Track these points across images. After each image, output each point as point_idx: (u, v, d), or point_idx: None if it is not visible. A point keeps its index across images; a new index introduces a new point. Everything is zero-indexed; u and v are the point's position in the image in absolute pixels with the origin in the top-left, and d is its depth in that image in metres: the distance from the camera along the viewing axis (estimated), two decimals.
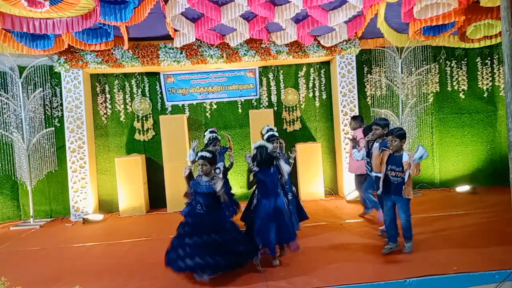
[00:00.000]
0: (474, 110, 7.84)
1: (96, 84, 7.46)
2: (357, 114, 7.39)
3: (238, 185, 7.76)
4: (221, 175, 4.47)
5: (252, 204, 4.41)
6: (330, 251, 4.50)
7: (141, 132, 7.60)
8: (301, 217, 5.02)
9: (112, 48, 6.71)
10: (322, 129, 7.92)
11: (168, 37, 6.53)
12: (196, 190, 3.87)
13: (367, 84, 7.72)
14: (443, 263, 3.88)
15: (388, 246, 4.23)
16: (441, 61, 7.79)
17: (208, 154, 3.88)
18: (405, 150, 4.12)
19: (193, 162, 5.11)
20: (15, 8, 4.62)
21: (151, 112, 7.62)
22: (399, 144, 4.07)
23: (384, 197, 4.25)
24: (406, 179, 4.02)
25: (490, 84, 7.79)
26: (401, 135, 4.08)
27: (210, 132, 5.69)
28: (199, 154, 3.90)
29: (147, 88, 7.58)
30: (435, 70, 7.76)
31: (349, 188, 7.22)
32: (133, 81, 7.53)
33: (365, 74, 7.72)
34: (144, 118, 7.61)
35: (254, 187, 4.33)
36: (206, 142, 5.48)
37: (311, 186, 7.40)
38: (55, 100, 7.24)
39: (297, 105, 7.85)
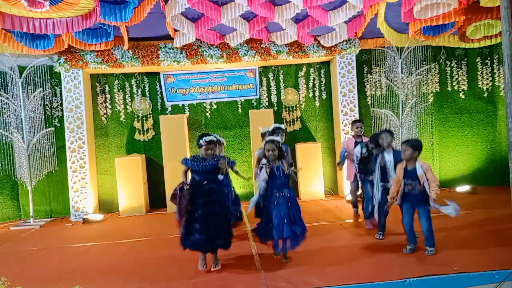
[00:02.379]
0: (474, 110, 7.84)
1: (96, 84, 7.46)
2: (358, 114, 7.40)
3: (238, 185, 7.76)
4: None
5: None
6: (330, 251, 4.49)
7: (141, 132, 7.60)
8: None
9: (112, 48, 6.71)
10: (322, 129, 7.92)
11: (168, 37, 6.53)
12: (200, 169, 3.98)
13: (367, 84, 7.72)
14: (443, 263, 3.88)
15: (409, 247, 4.26)
16: (441, 61, 7.79)
17: (214, 138, 4.07)
18: (419, 162, 4.13)
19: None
20: (15, 8, 4.62)
21: (151, 112, 7.62)
22: (411, 154, 4.10)
23: (405, 204, 4.28)
24: (428, 191, 4.02)
25: (490, 84, 7.80)
26: (414, 145, 4.11)
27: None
28: (207, 138, 4.00)
29: (147, 88, 7.59)
30: (435, 70, 7.76)
31: (349, 188, 7.20)
32: (133, 81, 7.53)
33: (365, 74, 7.72)
34: (144, 118, 7.61)
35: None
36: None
37: (311, 186, 7.40)
38: (55, 100, 7.24)
39: (297, 105, 7.85)
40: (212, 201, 3.99)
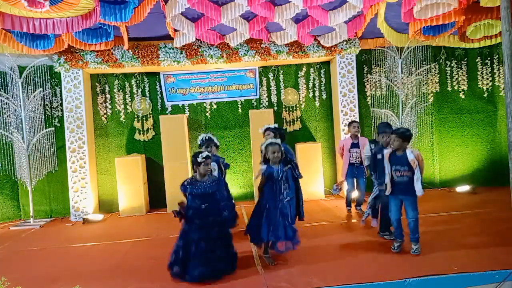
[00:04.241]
0: (474, 110, 7.84)
1: (96, 84, 7.46)
2: (358, 114, 7.40)
3: (238, 185, 7.76)
4: (215, 173, 4.60)
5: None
6: (330, 251, 4.50)
7: (141, 132, 7.60)
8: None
9: (112, 48, 6.71)
10: (322, 129, 7.92)
11: (168, 37, 6.53)
12: (198, 193, 3.88)
13: (367, 84, 7.72)
14: (443, 263, 3.88)
15: (397, 244, 4.27)
16: (441, 61, 7.79)
17: (209, 154, 3.99)
18: (408, 148, 4.12)
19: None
20: (15, 8, 4.62)
21: (151, 112, 7.62)
22: (401, 145, 4.11)
23: (391, 197, 4.26)
24: (418, 176, 4.02)
25: (490, 84, 7.80)
26: (404, 136, 4.10)
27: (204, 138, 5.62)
28: (204, 154, 3.93)
29: (147, 88, 7.59)
30: (435, 70, 7.76)
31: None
32: (133, 81, 7.53)
33: (365, 74, 7.72)
34: (144, 118, 7.61)
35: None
36: (199, 143, 5.36)
37: (311, 186, 7.39)
38: (55, 100, 7.25)
39: (297, 105, 7.85)
40: (210, 224, 3.84)
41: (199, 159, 3.91)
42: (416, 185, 4.03)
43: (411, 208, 4.13)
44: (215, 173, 4.84)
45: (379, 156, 4.76)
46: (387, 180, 4.26)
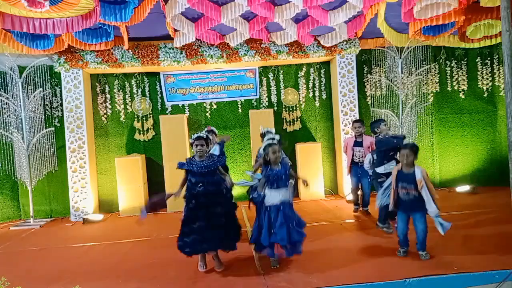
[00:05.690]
0: (474, 110, 7.84)
1: (96, 84, 7.46)
2: (358, 114, 7.40)
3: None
4: (216, 151, 4.48)
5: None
6: (330, 251, 4.50)
7: (141, 132, 7.60)
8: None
9: (112, 48, 6.71)
10: (322, 129, 7.92)
11: (168, 37, 6.53)
12: (195, 170, 3.92)
13: (367, 84, 7.72)
14: (443, 263, 3.88)
15: (403, 250, 4.20)
16: (441, 61, 7.79)
17: (203, 135, 4.04)
18: (416, 166, 4.03)
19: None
20: (15, 8, 4.62)
21: (151, 112, 7.62)
22: (413, 159, 4.02)
23: (399, 211, 4.18)
24: (425, 196, 3.92)
25: (490, 84, 7.80)
26: (416, 150, 4.03)
27: (206, 131, 5.59)
28: (195, 135, 4.02)
29: (147, 88, 7.59)
30: (435, 70, 7.76)
31: (349, 188, 7.20)
32: (133, 81, 7.53)
33: (365, 74, 7.72)
34: (144, 118, 7.61)
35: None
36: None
37: (311, 186, 7.39)
38: (55, 100, 7.25)
39: (297, 105, 7.85)
40: (212, 203, 3.90)
41: (190, 140, 4.05)
42: (430, 206, 3.90)
43: (420, 222, 4.02)
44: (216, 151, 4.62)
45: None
46: (391, 196, 4.18)
